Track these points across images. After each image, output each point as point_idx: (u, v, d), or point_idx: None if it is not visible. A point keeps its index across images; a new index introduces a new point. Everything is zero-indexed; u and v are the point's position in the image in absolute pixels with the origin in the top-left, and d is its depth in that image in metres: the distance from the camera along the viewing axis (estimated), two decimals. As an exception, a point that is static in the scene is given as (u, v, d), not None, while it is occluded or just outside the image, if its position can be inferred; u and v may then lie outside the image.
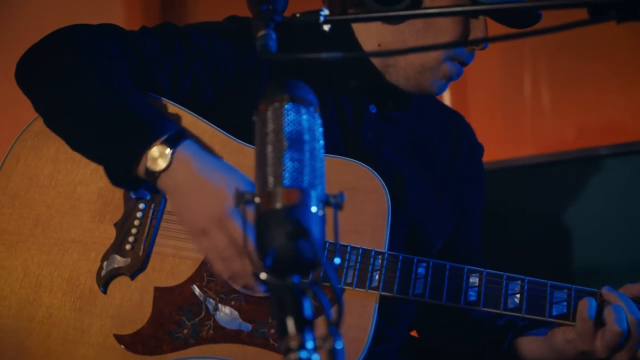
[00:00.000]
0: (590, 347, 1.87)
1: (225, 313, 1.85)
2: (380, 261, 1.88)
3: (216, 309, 1.84)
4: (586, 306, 1.84)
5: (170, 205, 1.84)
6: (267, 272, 1.24)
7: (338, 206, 1.34)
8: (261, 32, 1.52)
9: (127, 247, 1.89)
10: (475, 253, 2.34)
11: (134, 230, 1.89)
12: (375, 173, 1.95)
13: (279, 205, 1.29)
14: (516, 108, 3.30)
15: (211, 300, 1.86)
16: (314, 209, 1.29)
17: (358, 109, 2.14)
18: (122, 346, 1.82)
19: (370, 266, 1.87)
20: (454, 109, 2.53)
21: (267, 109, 1.38)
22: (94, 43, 1.95)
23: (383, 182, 1.94)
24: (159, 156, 1.74)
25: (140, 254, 1.87)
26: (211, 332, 1.82)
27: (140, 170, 1.76)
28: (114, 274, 1.88)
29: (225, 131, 1.97)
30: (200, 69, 2.04)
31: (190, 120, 1.98)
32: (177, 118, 1.98)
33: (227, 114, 2.01)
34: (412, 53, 2.03)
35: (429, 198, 2.21)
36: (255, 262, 1.67)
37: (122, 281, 1.87)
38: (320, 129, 1.40)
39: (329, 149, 1.96)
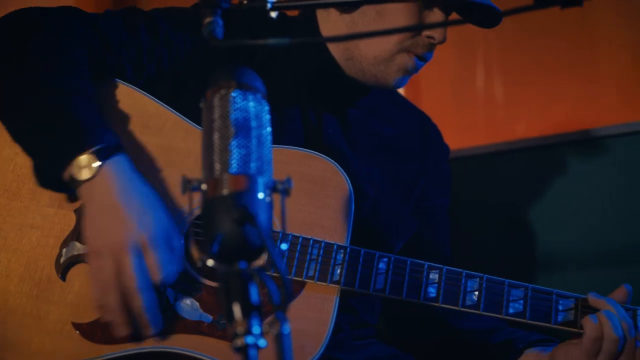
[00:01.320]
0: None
1: (186, 304, 1.85)
2: (342, 255, 1.88)
3: (177, 299, 1.84)
4: (594, 324, 1.86)
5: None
6: (214, 259, 1.25)
7: (285, 192, 1.36)
8: (207, 19, 1.52)
9: None
10: (444, 253, 2.36)
11: (86, 211, 1.87)
12: (340, 168, 1.96)
13: (225, 191, 1.30)
14: (469, 99, 3.32)
15: (172, 290, 1.86)
16: (260, 195, 1.31)
17: (320, 105, 2.15)
18: (80, 334, 1.82)
19: (332, 260, 1.87)
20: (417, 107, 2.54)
21: (213, 96, 1.40)
22: (57, 28, 1.92)
23: (347, 178, 1.95)
24: (85, 166, 1.73)
25: (84, 243, 1.85)
26: (172, 322, 1.82)
27: (66, 175, 1.75)
28: (74, 260, 1.86)
29: (189, 118, 1.97)
30: (165, 54, 2.04)
31: (152, 107, 1.98)
32: (138, 104, 1.97)
33: (192, 100, 2.01)
34: (358, 39, 2.03)
35: (390, 197, 2.22)
36: (137, 303, 1.71)
37: (81, 268, 1.85)
38: (268, 116, 1.41)
39: (292, 143, 1.99)
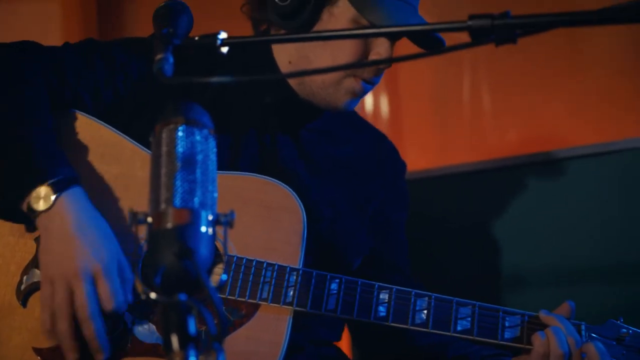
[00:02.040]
0: None
1: (144, 327, 1.90)
2: (295, 277, 1.93)
3: (134, 323, 1.88)
4: (542, 340, 1.92)
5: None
6: (156, 291, 1.30)
7: (228, 224, 1.41)
8: (158, 56, 1.58)
9: None
10: (402, 268, 2.39)
11: (42, 241, 1.92)
12: (293, 192, 2.01)
13: (169, 225, 1.35)
14: (452, 114, 3.36)
15: (129, 314, 1.90)
16: (203, 229, 1.36)
17: (275, 128, 2.20)
18: (41, 359, 1.86)
19: (285, 282, 1.92)
20: (377, 126, 2.58)
21: (162, 130, 1.44)
22: (13, 65, 1.99)
23: (299, 201, 2.00)
24: (43, 197, 1.80)
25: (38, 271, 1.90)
26: (129, 345, 1.87)
27: (24, 206, 1.82)
28: (34, 287, 1.91)
29: (147, 145, 2.02)
30: (121, 84, 2.10)
31: (110, 137, 2.04)
32: (97, 134, 2.03)
33: (148, 128, 2.06)
34: (303, 76, 2.08)
35: (346, 217, 2.26)
36: (89, 329, 1.76)
37: (41, 295, 1.90)
38: (214, 150, 1.46)
39: (247, 166, 2.04)
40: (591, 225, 2.81)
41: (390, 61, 1.97)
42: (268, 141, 2.19)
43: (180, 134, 1.43)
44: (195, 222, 1.35)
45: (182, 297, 1.28)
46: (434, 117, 3.45)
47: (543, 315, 1.97)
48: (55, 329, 1.79)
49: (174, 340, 1.22)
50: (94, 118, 2.05)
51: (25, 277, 1.92)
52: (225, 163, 2.10)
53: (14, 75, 1.97)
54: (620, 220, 2.75)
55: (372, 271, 2.25)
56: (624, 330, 1.95)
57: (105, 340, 1.79)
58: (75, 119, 2.04)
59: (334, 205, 2.24)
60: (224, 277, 1.38)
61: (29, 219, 1.85)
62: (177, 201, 1.37)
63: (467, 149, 3.38)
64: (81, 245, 1.78)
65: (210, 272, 1.41)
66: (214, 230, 1.38)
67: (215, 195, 1.42)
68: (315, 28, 2.09)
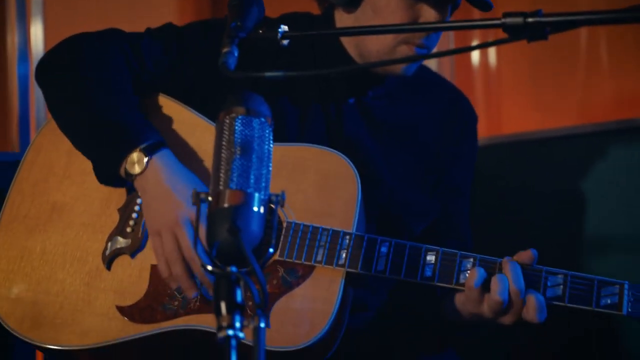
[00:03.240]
0: (479, 311, 2.04)
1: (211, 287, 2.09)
2: (347, 241, 2.06)
3: (202, 283, 2.08)
4: (474, 276, 2.00)
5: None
6: (213, 263, 1.48)
7: (280, 204, 1.57)
8: (224, 49, 1.75)
9: (128, 229, 2.15)
10: (460, 233, 2.48)
11: (134, 215, 2.15)
12: (349, 160, 2.13)
13: (226, 204, 1.52)
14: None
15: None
16: (255, 208, 1.53)
17: (340, 99, 2.33)
18: (123, 316, 2.09)
19: (339, 245, 2.06)
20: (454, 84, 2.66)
21: (224, 118, 1.62)
22: (100, 53, 2.23)
23: (355, 169, 2.12)
24: (136, 161, 2.06)
25: (139, 235, 2.13)
26: (198, 304, 2.06)
27: (122, 171, 2.07)
28: (117, 253, 2.14)
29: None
30: (195, 68, 2.29)
31: (185, 114, 2.25)
32: (173, 111, 2.25)
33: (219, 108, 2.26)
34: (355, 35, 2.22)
35: (408, 183, 2.37)
36: (196, 266, 1.95)
37: (123, 259, 2.13)
38: (270, 137, 1.62)
39: (315, 140, 2.20)
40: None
41: (430, 29, 2.07)
42: (333, 112, 2.32)
43: (239, 122, 1.59)
44: (248, 202, 1.52)
45: (233, 269, 1.45)
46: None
47: (503, 261, 2.03)
48: (172, 273, 2.03)
49: (223, 307, 1.40)
50: (170, 97, 2.26)
51: (109, 244, 2.15)
52: (293, 137, 2.25)
53: (101, 59, 2.21)
54: None
55: (432, 236, 2.35)
56: None
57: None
58: (156, 98, 2.26)
59: (397, 171, 2.36)
60: (271, 250, 1.54)
61: (127, 183, 2.11)
62: (234, 183, 1.54)
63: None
64: (176, 198, 2.02)
65: (267, 244, 1.56)
66: (265, 209, 1.55)
67: (269, 177, 1.58)
68: (365, 2, 2.21)
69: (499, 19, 1.56)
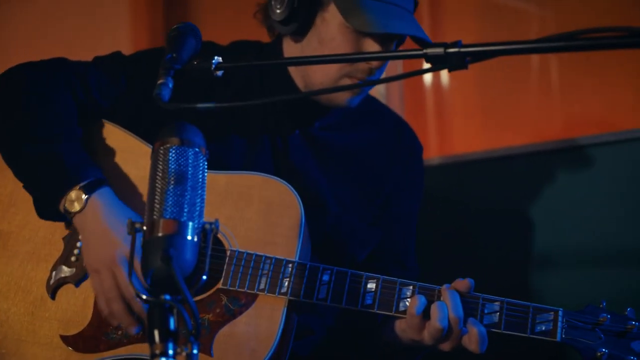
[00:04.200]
0: (419, 337, 2.07)
1: None
2: (290, 269, 2.09)
3: (142, 319, 2.08)
4: (415, 304, 2.04)
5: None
6: (147, 291, 1.52)
7: (213, 232, 1.61)
8: (159, 81, 1.79)
9: (73, 258, 2.17)
10: (403, 260, 2.52)
11: (78, 244, 2.17)
12: (293, 189, 2.16)
13: (160, 233, 1.56)
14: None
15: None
16: (189, 237, 1.56)
17: (287, 130, 2.37)
18: (67, 345, 2.10)
19: (281, 274, 2.09)
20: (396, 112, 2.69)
21: (159, 148, 1.65)
22: (44, 84, 2.25)
23: (298, 197, 2.15)
24: (75, 199, 2.08)
25: (84, 264, 2.14)
26: (140, 333, 2.09)
27: (61, 207, 2.09)
28: (61, 282, 2.15)
29: None
30: (141, 96, 2.30)
31: (130, 142, 2.27)
32: (118, 139, 2.28)
33: None
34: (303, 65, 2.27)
35: (352, 212, 2.41)
36: (136, 304, 2.00)
37: (68, 289, 2.15)
38: (204, 166, 1.65)
39: (261, 169, 2.22)
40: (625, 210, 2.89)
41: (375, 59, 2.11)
42: (280, 142, 2.36)
43: (173, 152, 1.63)
44: (181, 232, 1.56)
45: (167, 297, 1.49)
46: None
47: (442, 288, 2.07)
48: (112, 311, 2.05)
49: (156, 334, 1.44)
50: (116, 125, 2.29)
51: (53, 273, 2.17)
52: (239, 166, 2.28)
53: (45, 91, 2.23)
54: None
55: (375, 263, 2.40)
56: (603, 315, 2.02)
57: None
58: (102, 126, 2.29)
59: (341, 200, 2.39)
60: (204, 277, 1.57)
61: (66, 218, 2.12)
62: (167, 213, 1.57)
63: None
64: (114, 236, 2.05)
65: (202, 271, 1.60)
66: (199, 238, 1.59)
67: (203, 205, 1.62)
68: (311, 32, 2.25)
69: (421, 49, 1.62)
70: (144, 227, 1.59)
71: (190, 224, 1.58)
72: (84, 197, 2.08)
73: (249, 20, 2.44)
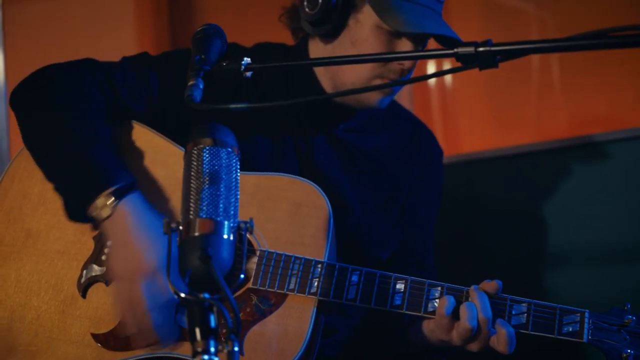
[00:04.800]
0: (448, 337, 2.10)
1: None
2: (319, 270, 2.11)
3: (177, 311, 2.11)
4: (445, 304, 2.06)
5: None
6: (186, 290, 1.54)
7: (249, 231, 1.64)
8: (190, 82, 1.82)
9: (103, 257, 2.19)
10: (422, 262, 2.55)
11: (108, 243, 2.19)
12: (321, 190, 2.18)
13: (196, 233, 1.59)
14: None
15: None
16: (225, 236, 1.59)
17: (311, 132, 2.39)
18: (97, 343, 2.13)
19: (311, 274, 2.11)
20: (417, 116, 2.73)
21: (192, 149, 1.68)
22: (74, 84, 2.26)
23: (326, 198, 2.17)
24: (104, 205, 2.07)
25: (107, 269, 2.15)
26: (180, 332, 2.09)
27: (90, 212, 2.09)
28: (92, 281, 2.18)
29: None
30: (169, 96, 2.33)
31: (159, 143, 2.29)
32: (148, 140, 2.29)
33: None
34: (334, 65, 2.26)
35: (374, 213, 2.44)
36: (144, 320, 2.01)
37: (98, 287, 2.17)
38: (237, 166, 1.68)
39: (286, 171, 2.24)
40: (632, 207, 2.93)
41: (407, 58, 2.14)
42: (304, 144, 2.39)
43: (206, 153, 1.66)
44: (218, 231, 1.59)
45: (206, 295, 1.51)
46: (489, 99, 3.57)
47: (470, 290, 2.09)
48: (123, 320, 2.07)
49: (197, 332, 1.46)
50: (144, 125, 2.30)
51: (84, 272, 2.19)
52: (265, 168, 2.29)
53: (74, 91, 2.24)
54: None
55: (397, 264, 2.43)
56: (629, 317, 2.05)
57: (164, 330, 2.04)
58: (130, 126, 2.31)
59: (364, 202, 2.42)
60: (242, 277, 1.60)
61: (94, 222, 2.13)
62: (204, 213, 1.60)
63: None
64: (137, 250, 2.04)
65: (237, 269, 1.63)
66: (235, 236, 1.61)
67: (237, 205, 1.65)
68: (343, 34, 2.29)
69: (452, 49, 1.65)
70: (180, 227, 1.61)
71: (226, 223, 1.60)
72: (112, 203, 2.07)
73: (254, 21, 2.47)
